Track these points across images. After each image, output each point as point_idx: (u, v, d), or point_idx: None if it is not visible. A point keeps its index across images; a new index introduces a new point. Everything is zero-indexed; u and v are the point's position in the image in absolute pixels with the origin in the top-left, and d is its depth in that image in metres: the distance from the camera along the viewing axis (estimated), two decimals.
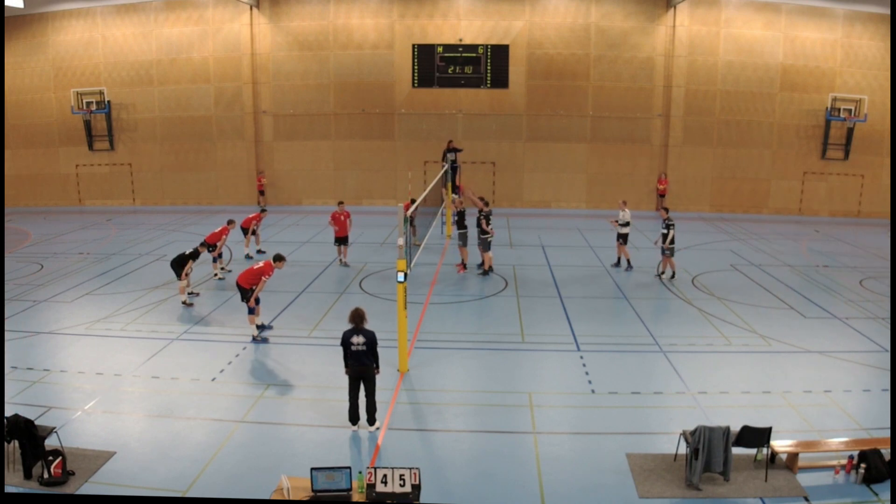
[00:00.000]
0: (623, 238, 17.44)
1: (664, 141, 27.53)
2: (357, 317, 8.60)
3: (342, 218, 17.56)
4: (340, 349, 8.70)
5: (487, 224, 16.15)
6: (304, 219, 25.36)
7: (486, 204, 16.56)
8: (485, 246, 16.47)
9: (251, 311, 12.21)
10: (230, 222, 16.78)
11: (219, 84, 27.85)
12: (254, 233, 18.51)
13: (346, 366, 8.65)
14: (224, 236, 16.30)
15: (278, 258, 12.26)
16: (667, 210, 16.68)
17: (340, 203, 18.19)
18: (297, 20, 27.26)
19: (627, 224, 17.34)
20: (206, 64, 27.70)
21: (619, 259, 17.83)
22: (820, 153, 27.09)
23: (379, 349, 8.75)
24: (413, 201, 15.06)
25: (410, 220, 14.28)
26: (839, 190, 27.50)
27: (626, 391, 10.03)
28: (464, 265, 17.02)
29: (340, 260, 17.84)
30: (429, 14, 26.83)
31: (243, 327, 12.62)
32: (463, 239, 17.12)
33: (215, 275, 16.45)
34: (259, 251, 18.81)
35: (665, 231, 16.05)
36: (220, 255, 16.59)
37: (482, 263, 17.04)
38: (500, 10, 26.65)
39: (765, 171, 27.57)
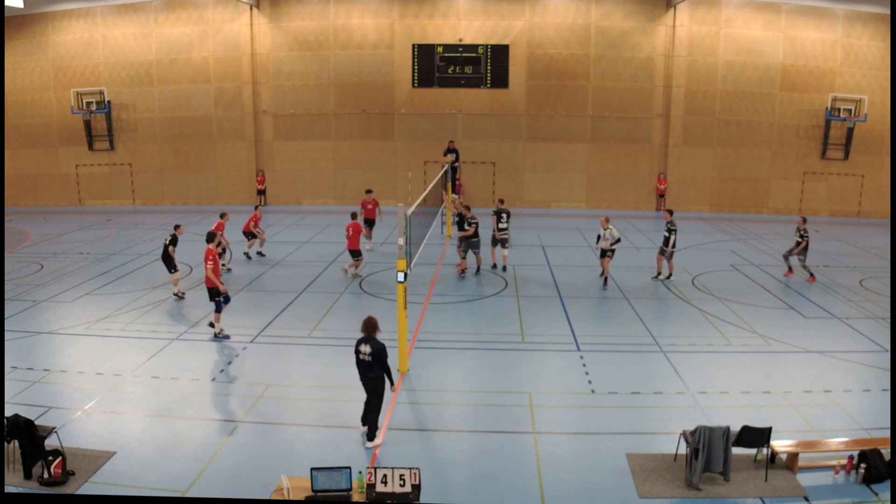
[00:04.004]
0: (611, 253, 15.68)
1: (664, 141, 27.53)
2: (367, 326, 8.32)
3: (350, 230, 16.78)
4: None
5: (478, 224, 16.55)
6: (305, 219, 25.36)
7: (502, 202, 17.64)
8: (494, 243, 17.09)
9: (218, 310, 12.20)
10: (223, 216, 16.87)
11: (219, 84, 27.85)
12: (255, 236, 18.32)
13: (360, 375, 8.42)
14: (221, 231, 16.41)
15: (210, 238, 12.40)
16: (671, 212, 16.49)
17: (354, 214, 17.28)
18: (297, 20, 27.26)
19: (618, 241, 15.61)
20: (206, 64, 27.69)
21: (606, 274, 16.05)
22: (820, 153, 27.09)
23: None
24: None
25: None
26: (839, 190, 27.49)
27: (626, 391, 10.03)
28: (463, 269, 17.00)
29: (356, 271, 16.81)
30: (429, 14, 26.84)
31: (243, 327, 12.64)
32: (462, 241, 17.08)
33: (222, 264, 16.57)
34: (259, 253, 18.69)
35: (667, 234, 15.97)
36: (223, 252, 16.68)
37: (494, 266, 17.42)
38: (500, 10, 26.64)
39: (765, 171, 27.57)
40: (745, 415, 8.71)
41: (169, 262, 14.82)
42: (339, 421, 8.95)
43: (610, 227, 15.53)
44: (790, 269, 17.14)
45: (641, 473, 7.69)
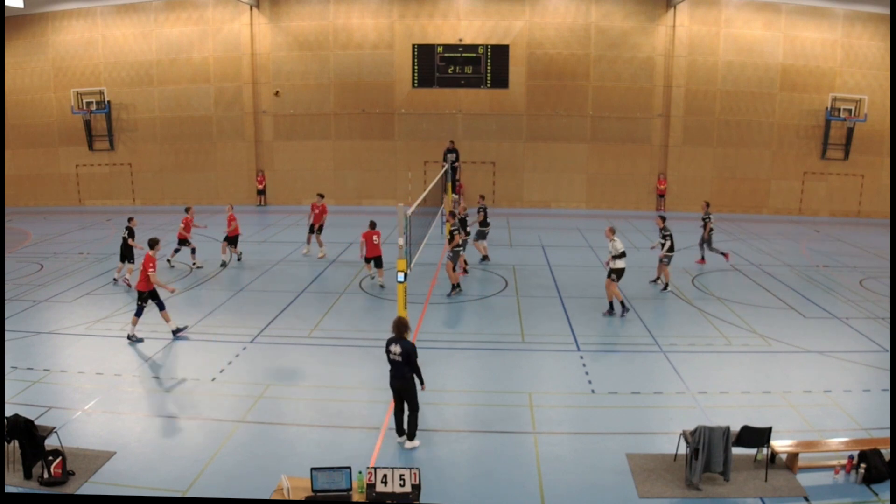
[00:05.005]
0: (617, 274, 13.53)
1: (664, 141, 27.53)
2: (397, 326, 8.29)
3: (374, 239, 15.86)
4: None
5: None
6: (305, 219, 25.29)
7: (483, 197, 18.72)
8: (482, 237, 18.24)
9: (138, 314, 12.05)
10: (188, 209, 17.38)
11: (219, 84, 27.85)
12: (232, 242, 17.65)
13: (391, 376, 8.37)
14: (191, 226, 17.01)
15: (152, 244, 12.44)
16: (664, 219, 16.00)
17: (373, 223, 16.26)
18: (297, 20, 27.27)
19: (623, 255, 13.50)
20: (206, 64, 27.69)
21: (612, 304, 13.87)
22: (820, 153, 27.09)
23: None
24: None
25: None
26: (839, 190, 27.50)
27: (626, 391, 10.02)
28: (464, 268, 16.97)
29: (375, 280, 16.03)
30: (429, 14, 26.84)
31: (243, 327, 12.64)
32: (463, 244, 17.03)
33: (193, 263, 17.07)
34: (238, 258, 17.98)
35: (663, 241, 15.60)
36: (194, 249, 17.31)
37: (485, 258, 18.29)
38: (500, 10, 26.65)
39: (765, 171, 27.57)
40: (745, 415, 8.71)
41: (128, 253, 15.59)
42: (339, 421, 8.95)
43: (615, 238, 13.52)
44: (703, 259, 18.27)
45: (641, 473, 7.69)
